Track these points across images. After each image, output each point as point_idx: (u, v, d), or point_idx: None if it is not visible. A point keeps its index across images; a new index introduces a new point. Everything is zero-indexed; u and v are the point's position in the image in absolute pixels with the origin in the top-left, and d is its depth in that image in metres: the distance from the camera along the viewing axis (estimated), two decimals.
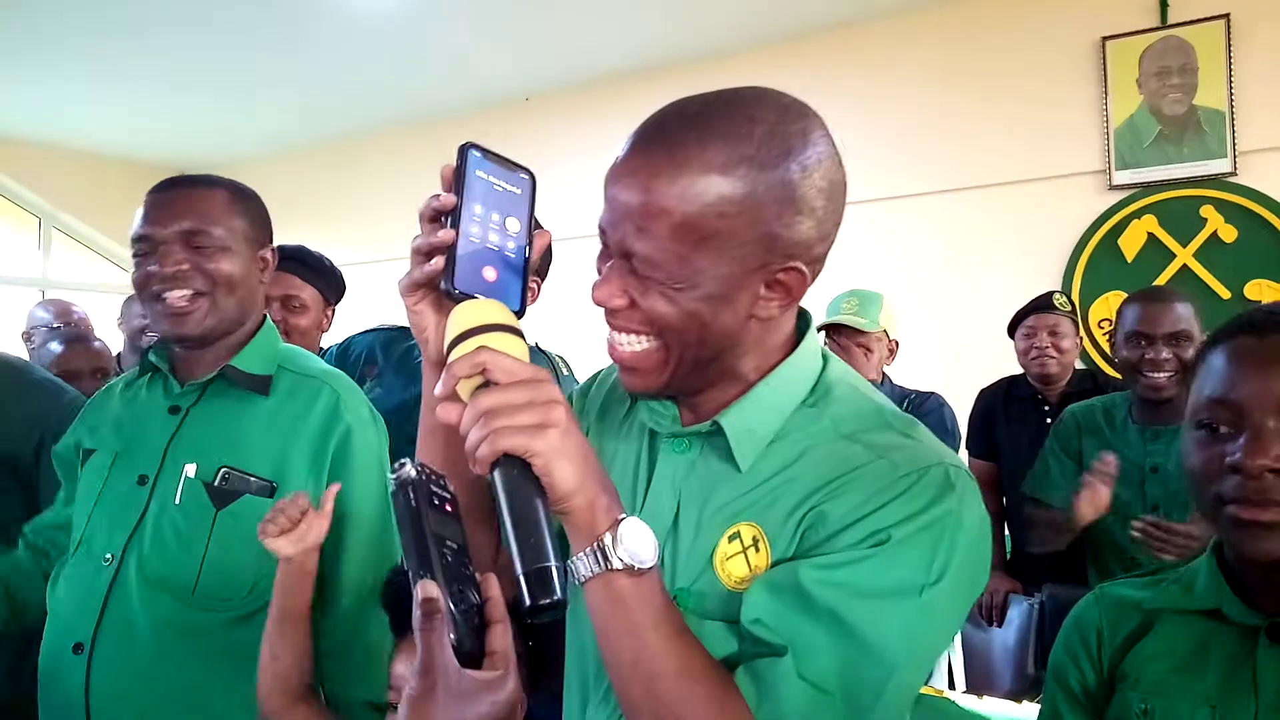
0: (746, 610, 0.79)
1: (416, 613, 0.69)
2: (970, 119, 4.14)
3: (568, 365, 2.08)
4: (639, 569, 0.74)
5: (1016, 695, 2.58)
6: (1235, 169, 3.72)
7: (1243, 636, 0.94)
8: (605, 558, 0.74)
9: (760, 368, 0.88)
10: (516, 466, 0.71)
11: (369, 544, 1.43)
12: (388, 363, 2.03)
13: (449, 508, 0.74)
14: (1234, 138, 3.71)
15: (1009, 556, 3.12)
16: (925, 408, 2.77)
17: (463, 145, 0.82)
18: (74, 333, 3.06)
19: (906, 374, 3.07)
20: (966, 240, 4.13)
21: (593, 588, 0.75)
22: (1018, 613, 2.97)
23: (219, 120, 5.57)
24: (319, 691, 1.34)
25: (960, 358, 3.91)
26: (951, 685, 2.81)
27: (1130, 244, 3.89)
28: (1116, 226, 3.91)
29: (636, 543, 0.74)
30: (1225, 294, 3.74)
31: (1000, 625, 2.99)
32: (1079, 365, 3.16)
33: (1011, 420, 3.03)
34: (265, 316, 1.56)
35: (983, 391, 3.18)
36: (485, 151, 0.83)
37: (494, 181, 0.83)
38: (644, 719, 0.77)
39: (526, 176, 0.85)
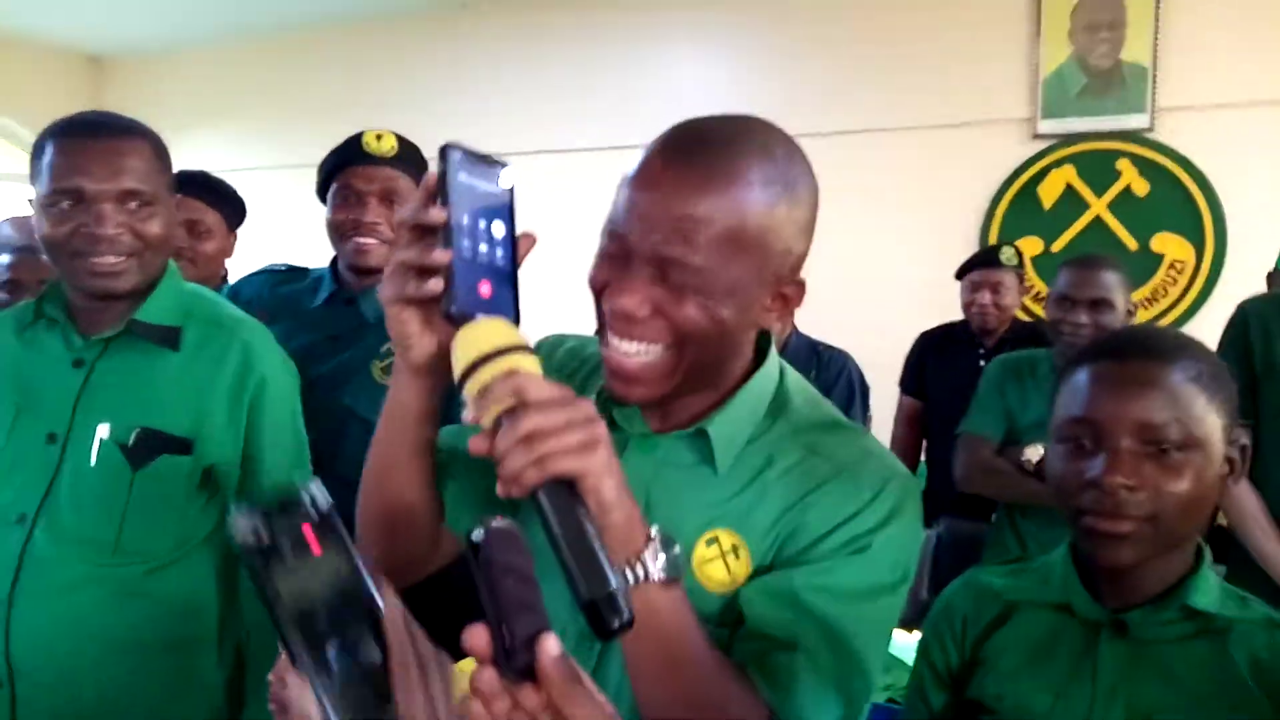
0: (750, 616, 0.87)
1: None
2: (900, 59, 4.16)
3: None
4: (672, 579, 0.79)
5: (908, 624, 2.76)
6: (1153, 125, 3.82)
7: (1088, 630, 1.04)
8: (646, 571, 0.77)
9: (735, 376, 0.94)
10: (562, 488, 0.72)
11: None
12: (280, 308, 1.98)
13: (316, 541, 0.63)
14: (1154, 94, 3.81)
15: (923, 489, 3.28)
16: (831, 368, 2.85)
17: (444, 146, 0.79)
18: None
19: (819, 318, 3.13)
20: (888, 180, 4.19)
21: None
22: None
23: (140, 9, 5.27)
24: None
25: (875, 301, 4.01)
26: None
27: (1049, 193, 4.00)
28: (1037, 175, 4.01)
29: (669, 554, 0.79)
30: (1133, 245, 3.89)
31: None
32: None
33: (945, 360, 3.18)
34: (168, 259, 1.51)
35: (923, 334, 3.31)
36: (466, 152, 0.80)
37: (477, 184, 0.80)
38: (664, 708, 0.82)
39: (506, 171, 0.82)
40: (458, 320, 0.77)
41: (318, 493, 0.64)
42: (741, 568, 0.89)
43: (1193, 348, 1.01)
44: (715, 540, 0.90)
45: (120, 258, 1.38)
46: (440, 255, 0.77)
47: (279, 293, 2.03)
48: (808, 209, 0.88)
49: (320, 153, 2.04)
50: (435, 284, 0.78)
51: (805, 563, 0.88)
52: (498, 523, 0.63)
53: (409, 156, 1.95)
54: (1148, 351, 1.00)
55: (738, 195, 0.82)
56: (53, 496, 1.38)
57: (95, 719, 1.37)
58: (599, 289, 0.87)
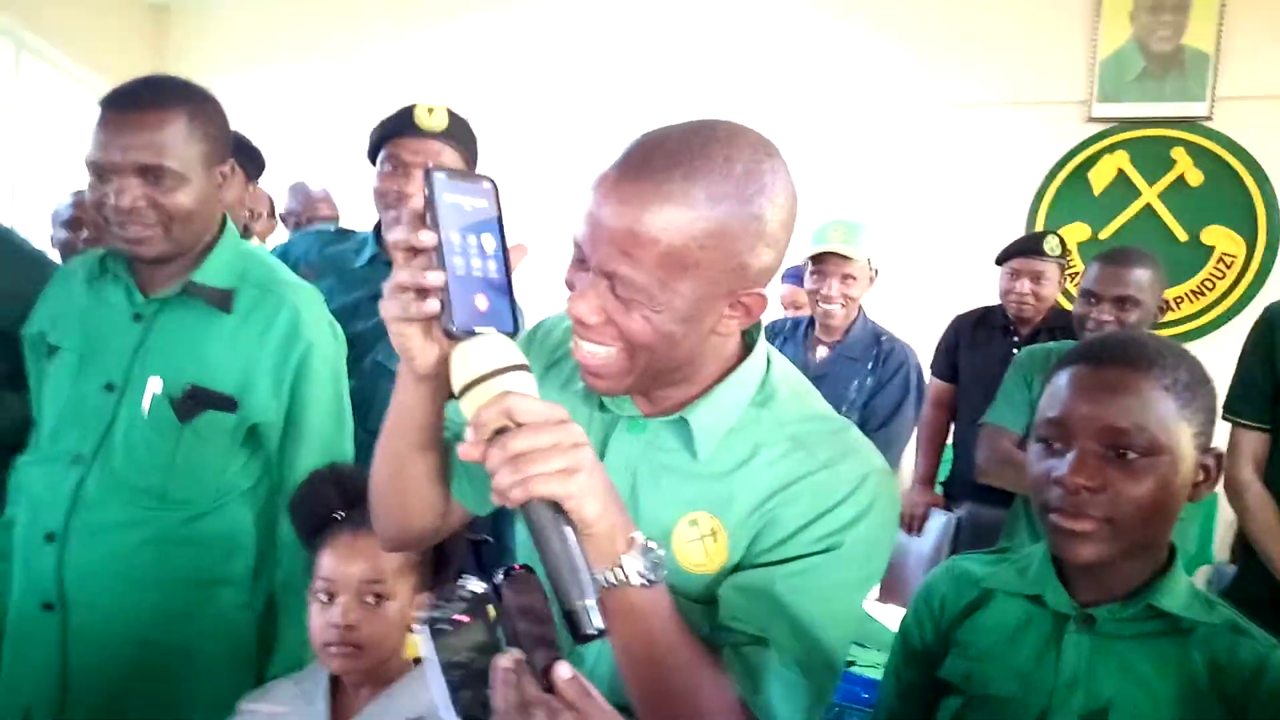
0: (725, 610, 0.94)
1: None
2: (957, 35, 4.11)
3: None
4: (650, 581, 0.85)
5: None
6: (1211, 114, 3.75)
7: (1056, 621, 1.09)
8: (625, 576, 0.83)
9: (716, 372, 0.99)
10: (548, 505, 0.78)
11: (322, 451, 1.56)
12: (326, 266, 2.09)
13: (466, 616, 0.78)
14: (1215, 82, 3.73)
15: (949, 472, 3.31)
16: (890, 363, 2.84)
17: (426, 170, 0.84)
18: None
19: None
20: (938, 159, 4.16)
21: (609, 599, 0.83)
22: (936, 525, 3.19)
23: None
24: None
25: (915, 280, 4.00)
26: None
27: (1099, 178, 3.95)
28: (1089, 159, 3.96)
29: (649, 559, 0.84)
30: (1183, 237, 3.84)
31: (918, 534, 3.21)
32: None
33: (978, 345, 3.16)
34: (226, 221, 1.58)
35: (958, 316, 3.30)
36: (449, 172, 0.84)
37: (463, 201, 0.84)
38: (658, 706, 0.90)
39: (489, 186, 0.86)
40: (457, 337, 0.82)
41: (474, 584, 0.80)
42: (719, 551, 0.96)
43: (1171, 356, 1.05)
44: (696, 522, 0.96)
45: (143, 228, 1.44)
46: (434, 277, 0.81)
47: (326, 253, 2.14)
48: (773, 222, 0.89)
49: (376, 108, 2.12)
50: (433, 304, 0.82)
51: (780, 555, 0.94)
52: (516, 570, 0.75)
53: (458, 132, 2.02)
54: (1123, 358, 1.04)
55: (684, 214, 0.84)
56: (107, 442, 1.48)
57: (136, 649, 1.49)
58: (569, 288, 0.93)
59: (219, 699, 1.46)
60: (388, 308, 0.86)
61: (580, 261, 0.91)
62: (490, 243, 0.85)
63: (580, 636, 0.77)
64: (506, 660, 0.75)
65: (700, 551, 0.96)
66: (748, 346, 1.01)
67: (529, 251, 0.88)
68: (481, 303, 0.83)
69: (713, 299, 0.89)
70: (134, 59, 5.25)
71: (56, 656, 1.49)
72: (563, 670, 0.72)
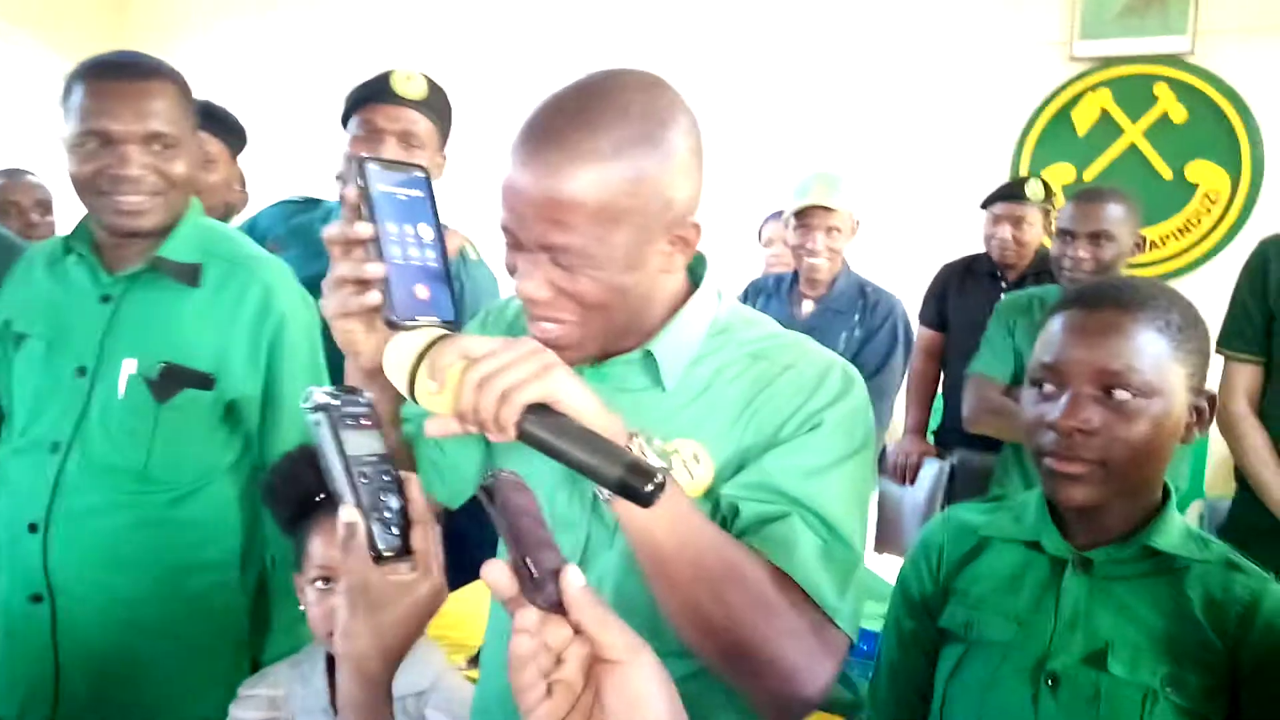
0: (735, 508, 0.91)
1: (340, 533, 0.75)
2: None
3: (475, 249, 2.06)
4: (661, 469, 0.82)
5: None
6: (1193, 48, 3.71)
7: (1054, 566, 1.09)
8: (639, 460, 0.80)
9: (668, 308, 0.99)
10: (544, 412, 0.76)
11: (303, 424, 1.53)
12: (292, 237, 2.06)
13: (365, 420, 0.78)
14: (1196, 16, 3.68)
15: (940, 420, 3.31)
16: (876, 314, 2.84)
17: (359, 160, 0.83)
18: (13, 168, 3.04)
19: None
20: (918, 105, 4.09)
21: (618, 505, 0.80)
22: (928, 474, 3.20)
23: None
24: None
25: (900, 228, 3.97)
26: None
27: (1083, 118, 3.90)
28: (1072, 99, 3.91)
29: (654, 448, 0.82)
30: (1168, 174, 3.80)
31: (912, 484, 3.22)
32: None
33: (966, 293, 3.16)
34: (191, 197, 1.57)
35: (946, 265, 3.29)
36: (381, 161, 0.84)
37: (396, 191, 0.83)
38: (696, 595, 0.84)
39: (421, 174, 0.87)
40: (400, 327, 0.81)
41: (369, 395, 0.79)
42: (705, 472, 0.94)
43: (1164, 298, 1.04)
44: (675, 451, 0.95)
45: (144, 197, 1.44)
46: (374, 269, 0.81)
47: (292, 223, 2.11)
48: (683, 154, 0.89)
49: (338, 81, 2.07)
50: (374, 296, 0.82)
51: (769, 450, 0.93)
52: (505, 471, 0.69)
53: (435, 102, 1.97)
54: (1116, 301, 1.03)
55: (598, 170, 0.84)
56: (84, 426, 1.45)
57: (127, 635, 1.47)
58: (511, 273, 0.92)
59: (213, 682, 1.45)
60: (327, 304, 0.86)
61: (516, 244, 0.90)
62: (427, 232, 0.84)
63: (644, 496, 0.73)
64: (531, 616, 0.63)
65: (686, 476, 0.94)
66: (694, 284, 1.01)
67: (461, 240, 0.86)
68: (422, 292, 0.82)
69: (650, 242, 0.90)
70: (94, 37, 5.13)
71: (48, 649, 1.47)
72: (576, 575, 0.62)
